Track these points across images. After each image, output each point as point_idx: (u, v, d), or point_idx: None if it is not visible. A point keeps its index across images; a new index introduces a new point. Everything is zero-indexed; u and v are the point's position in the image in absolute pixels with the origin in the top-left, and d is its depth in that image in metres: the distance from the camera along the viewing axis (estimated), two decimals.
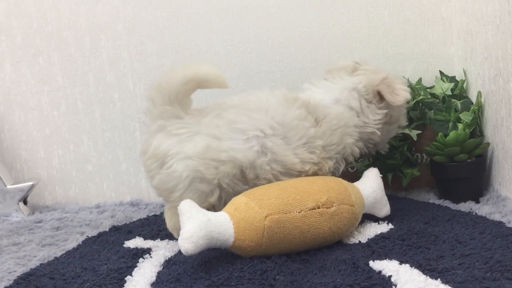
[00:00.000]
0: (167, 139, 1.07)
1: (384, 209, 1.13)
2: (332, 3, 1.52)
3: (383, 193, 1.13)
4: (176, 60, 1.58)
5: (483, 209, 1.15)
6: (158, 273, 0.97)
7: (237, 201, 0.99)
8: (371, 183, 1.12)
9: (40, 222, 1.43)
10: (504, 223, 1.04)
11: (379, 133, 1.17)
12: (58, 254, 1.14)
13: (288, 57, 1.54)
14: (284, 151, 1.08)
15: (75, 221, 1.41)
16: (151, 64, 1.59)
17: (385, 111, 1.17)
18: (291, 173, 1.10)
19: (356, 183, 1.12)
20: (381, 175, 1.14)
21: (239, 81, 1.56)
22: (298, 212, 0.97)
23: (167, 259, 1.04)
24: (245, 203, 0.97)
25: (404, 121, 1.26)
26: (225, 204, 1.04)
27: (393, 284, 0.82)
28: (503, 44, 1.11)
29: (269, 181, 1.08)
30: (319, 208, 0.99)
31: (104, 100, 1.62)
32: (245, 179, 1.08)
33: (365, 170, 1.18)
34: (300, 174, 1.10)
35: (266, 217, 0.95)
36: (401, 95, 1.14)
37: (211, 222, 0.93)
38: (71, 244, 1.20)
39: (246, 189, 1.06)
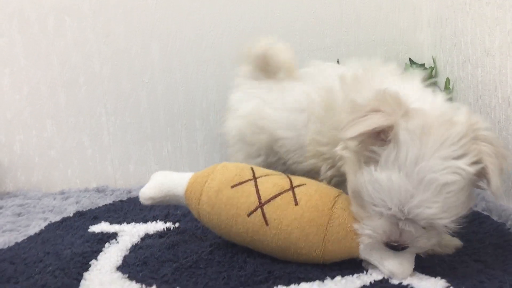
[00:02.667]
0: (237, 95, 1.14)
1: None
2: None
3: None
4: (145, 43, 1.54)
5: None
6: (124, 257, 0.94)
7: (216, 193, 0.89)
8: None
9: (0, 208, 1.37)
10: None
11: None
12: (20, 239, 1.09)
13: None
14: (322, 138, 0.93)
15: (37, 207, 1.36)
16: (119, 46, 1.54)
17: None
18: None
19: None
20: None
21: (209, 65, 1.53)
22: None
23: (134, 244, 1.01)
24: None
25: None
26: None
27: None
28: (472, 30, 1.12)
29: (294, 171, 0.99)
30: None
31: (68, 83, 1.57)
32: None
33: None
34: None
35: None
36: None
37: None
38: (33, 230, 1.15)
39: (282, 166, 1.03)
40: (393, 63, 0.92)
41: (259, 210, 0.83)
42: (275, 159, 1.07)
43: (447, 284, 0.74)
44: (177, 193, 0.92)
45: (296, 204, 0.82)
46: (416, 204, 0.70)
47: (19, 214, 1.32)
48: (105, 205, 1.31)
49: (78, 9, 1.53)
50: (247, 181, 0.87)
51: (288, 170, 1.03)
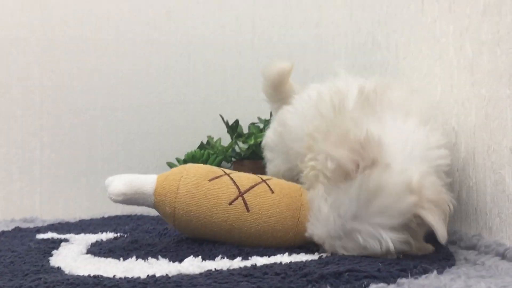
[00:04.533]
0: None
1: None
2: None
3: None
4: (88, 82, 1.61)
5: None
6: (87, 249, 0.95)
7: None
8: None
9: None
10: None
11: None
12: None
13: None
14: None
15: None
16: (62, 84, 1.59)
17: None
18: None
19: None
20: None
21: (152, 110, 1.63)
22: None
23: (93, 242, 1.01)
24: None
25: None
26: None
27: None
28: None
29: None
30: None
31: (5, 115, 1.56)
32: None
33: None
34: None
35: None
36: None
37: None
38: None
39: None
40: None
41: (240, 198, 0.91)
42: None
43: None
44: (145, 191, 0.93)
45: (272, 192, 0.93)
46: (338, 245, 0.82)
47: None
48: (43, 223, 1.28)
49: (25, 42, 1.58)
50: (221, 175, 0.96)
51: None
